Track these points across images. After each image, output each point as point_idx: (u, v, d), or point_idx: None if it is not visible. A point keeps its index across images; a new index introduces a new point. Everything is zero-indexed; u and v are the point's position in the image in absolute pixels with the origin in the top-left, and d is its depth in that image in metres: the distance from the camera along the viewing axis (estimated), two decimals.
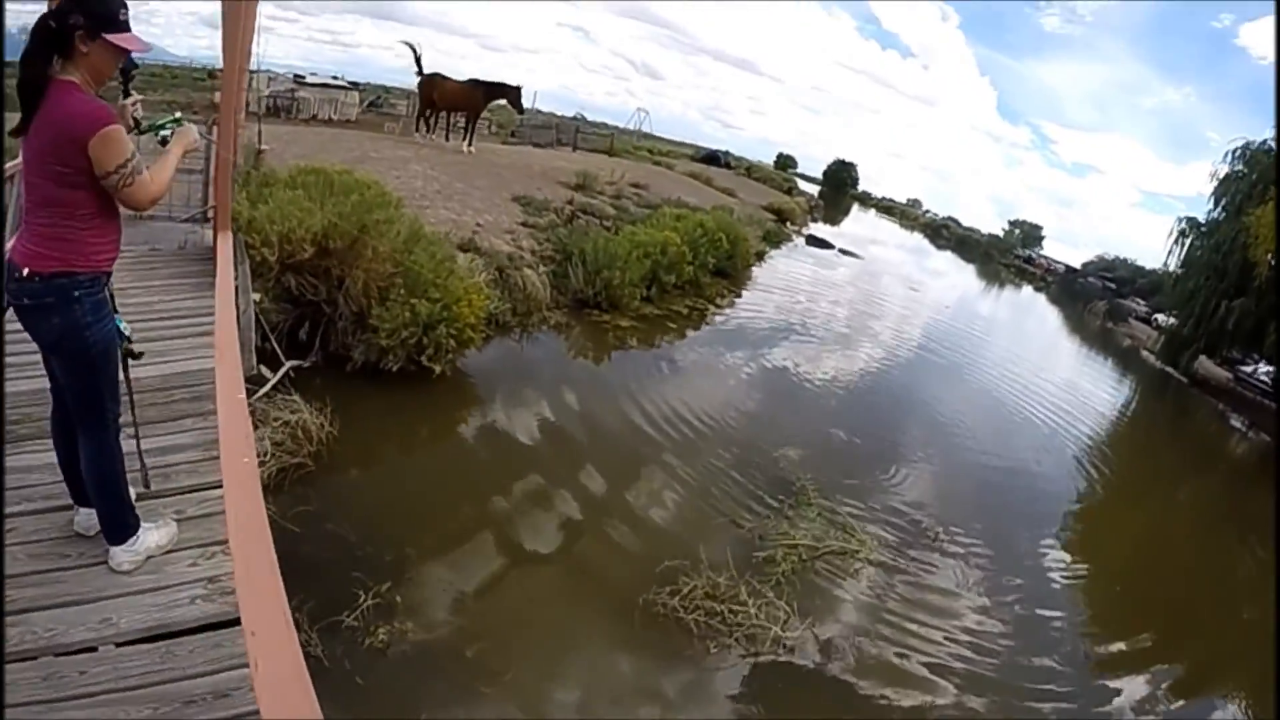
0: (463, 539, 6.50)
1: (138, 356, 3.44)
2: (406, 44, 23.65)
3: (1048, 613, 8.09)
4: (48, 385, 3.33)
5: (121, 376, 3.32)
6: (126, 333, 3.28)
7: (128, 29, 2.95)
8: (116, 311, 3.24)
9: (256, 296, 7.62)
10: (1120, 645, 7.92)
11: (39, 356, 3.38)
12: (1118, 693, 7.09)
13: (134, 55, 3.17)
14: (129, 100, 3.45)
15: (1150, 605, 9.24)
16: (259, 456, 5.92)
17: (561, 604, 6.19)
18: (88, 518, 3.32)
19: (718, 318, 16.78)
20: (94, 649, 2.80)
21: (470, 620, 5.59)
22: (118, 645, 2.83)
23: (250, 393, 6.69)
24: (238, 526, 2.50)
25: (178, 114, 3.67)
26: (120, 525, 3.22)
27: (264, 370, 7.63)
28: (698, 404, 10.86)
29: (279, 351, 8.04)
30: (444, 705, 4.86)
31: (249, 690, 2.52)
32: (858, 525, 8.35)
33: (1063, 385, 22.31)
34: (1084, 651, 7.57)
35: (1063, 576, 9.09)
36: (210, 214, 8.02)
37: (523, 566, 6.42)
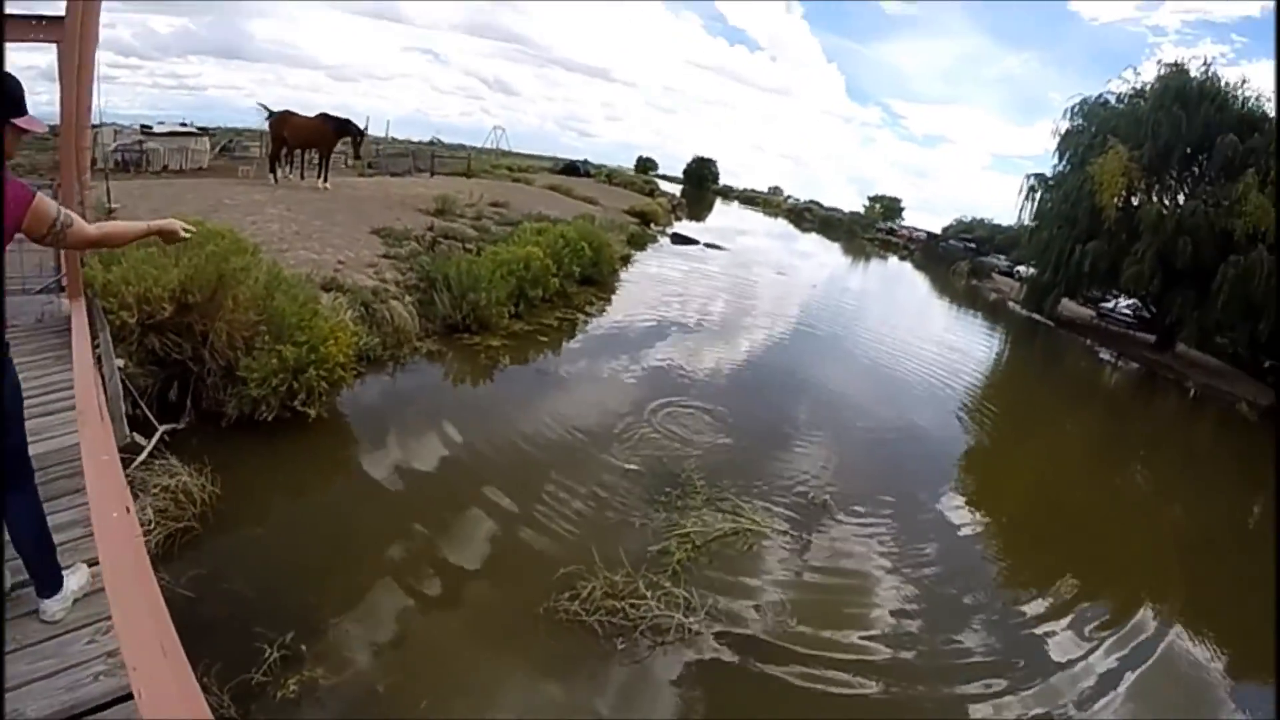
0: (361, 579, 6.56)
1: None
2: (262, 105, 23.64)
3: (959, 564, 8.70)
4: None
5: None
6: None
7: (25, 112, 3.15)
8: None
9: (121, 363, 7.50)
10: (1034, 584, 8.60)
11: None
12: (1040, 628, 7.72)
13: None
14: None
15: (1053, 538, 10.17)
16: (143, 525, 5.94)
17: (467, 627, 6.33)
18: None
19: (590, 325, 17.08)
20: None
21: (379, 658, 5.70)
22: None
23: (126, 462, 6.67)
24: (118, 592, 2.60)
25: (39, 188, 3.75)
26: (54, 574, 3.40)
27: (138, 438, 7.51)
28: (577, 413, 11.14)
29: (151, 417, 7.94)
30: None
31: None
32: (749, 507, 8.75)
33: (938, 344, 23.56)
34: (1001, 596, 8.22)
35: (968, 527, 9.81)
36: (64, 283, 7.93)
37: (424, 597, 6.52)
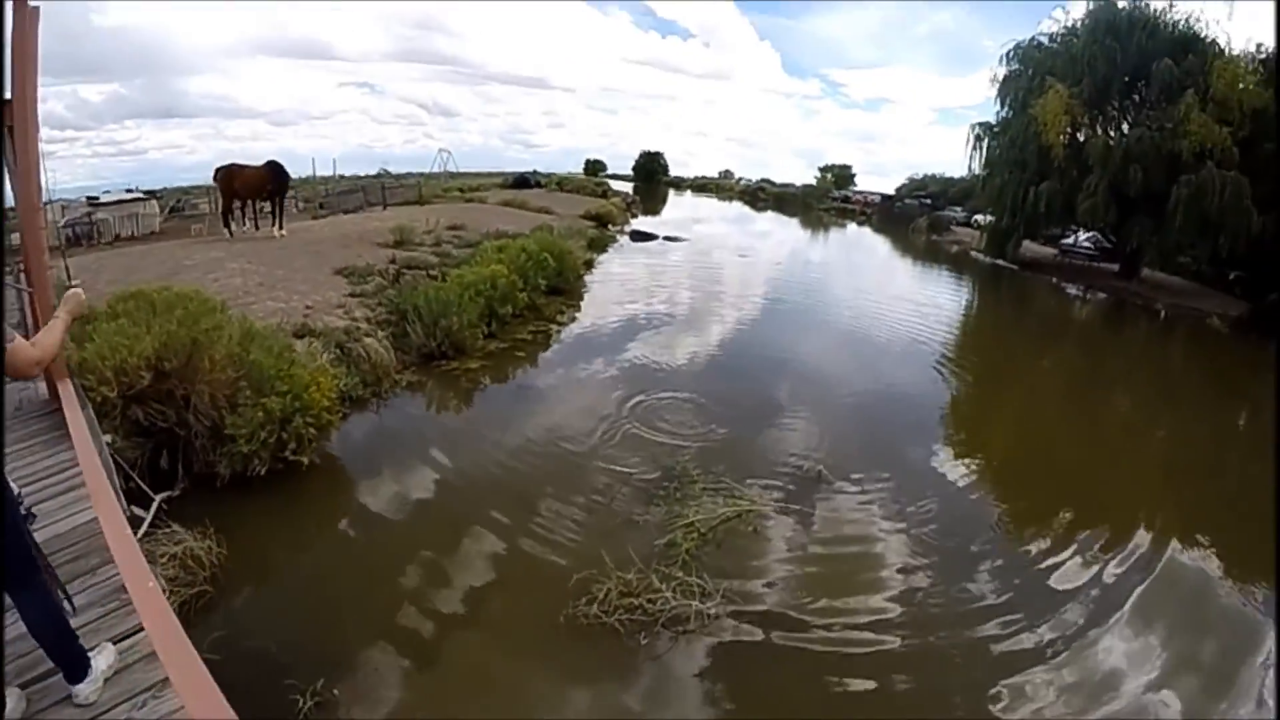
0: (380, 614, 6.61)
1: (33, 519, 3.57)
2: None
3: (958, 515, 8.90)
4: None
5: None
6: (17, 491, 3.43)
7: None
8: None
9: (108, 438, 7.51)
10: (1032, 522, 8.84)
11: None
12: (1044, 562, 7.94)
13: None
14: None
15: (1045, 475, 10.42)
16: None
17: (492, 644, 6.39)
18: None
19: (563, 334, 17.15)
20: None
21: (411, 688, 5.78)
22: None
23: None
24: (171, 655, 2.66)
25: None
26: (80, 660, 3.42)
27: (136, 510, 7.51)
28: (563, 422, 11.25)
29: (145, 487, 7.93)
30: None
31: None
32: (747, 489, 8.90)
33: (907, 302, 23.77)
34: (1003, 539, 8.46)
35: (962, 477, 10.00)
36: None
37: (445, 621, 6.59)
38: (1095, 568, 7.79)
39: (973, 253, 40.16)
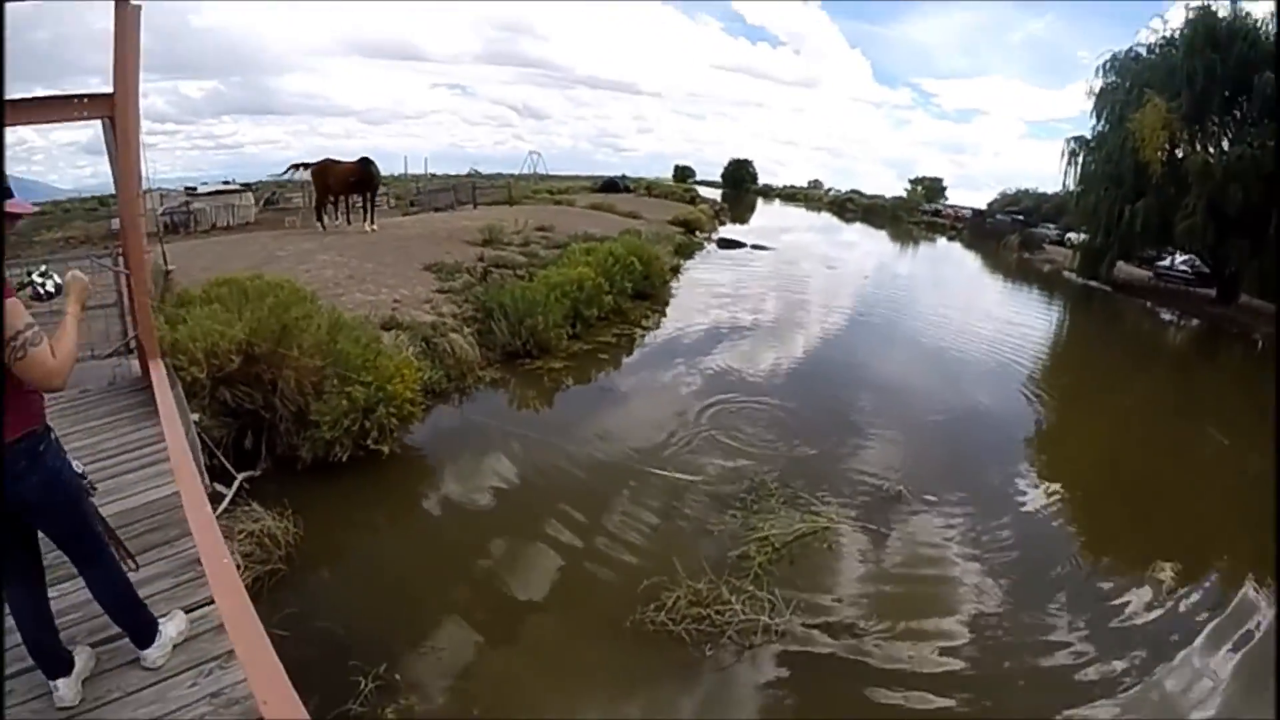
0: (449, 604, 6.62)
1: (94, 491, 3.58)
2: (295, 166, 24.00)
3: (1037, 544, 8.50)
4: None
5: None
6: (84, 472, 3.44)
7: (13, 194, 2.99)
8: (65, 451, 3.36)
9: (196, 416, 7.68)
10: (1116, 557, 8.33)
11: None
12: (1126, 600, 7.45)
13: None
14: (38, 271, 3.54)
15: (1132, 508, 9.80)
16: None
17: (558, 643, 6.34)
18: (68, 688, 3.33)
19: (647, 338, 17.05)
20: None
21: (474, 680, 5.76)
22: None
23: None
24: (240, 629, 2.63)
25: (43, 266, 3.69)
26: (146, 628, 3.46)
27: (218, 487, 7.71)
28: (643, 426, 11.13)
29: (228, 466, 8.12)
30: None
31: None
32: (823, 505, 8.65)
33: (996, 321, 23.10)
34: (1083, 572, 7.97)
35: (1043, 505, 9.53)
36: (133, 345, 8.06)
37: (511, 619, 6.55)
38: (1169, 603, 7.35)
39: (1065, 272, 38.80)
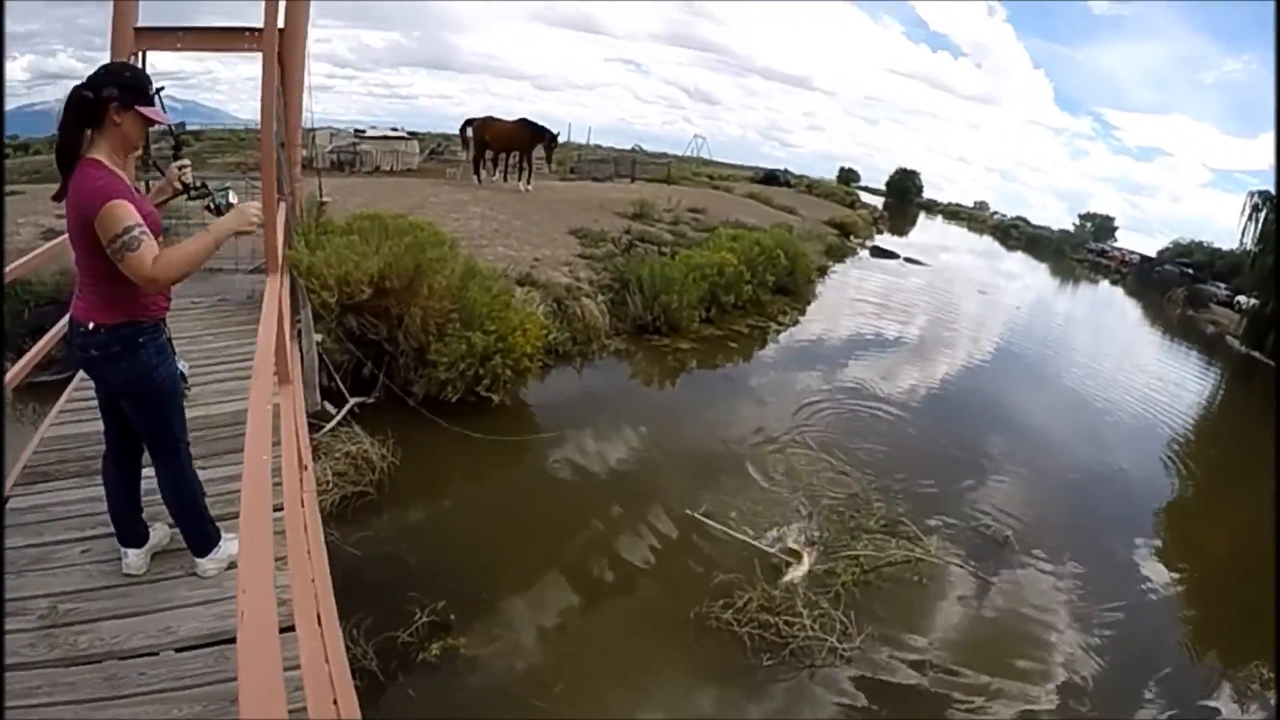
0: (521, 563, 6.64)
1: (187, 393, 3.67)
2: (468, 122, 24.60)
3: (1145, 626, 7.76)
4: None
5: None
6: (185, 373, 3.53)
7: (154, 103, 3.17)
8: (176, 354, 3.52)
9: (319, 337, 7.98)
10: (1226, 659, 7.49)
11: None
12: (1222, 702, 6.77)
13: (185, 121, 3.39)
14: (178, 164, 3.70)
15: (1256, 613, 8.87)
16: (321, 485, 6.26)
17: (615, 621, 6.29)
18: (137, 559, 3.58)
19: (782, 335, 16.73)
20: (155, 654, 3.06)
21: (523, 638, 5.77)
22: (176, 650, 3.08)
23: (315, 428, 7.11)
24: (295, 540, 2.63)
25: (227, 184, 3.85)
26: (203, 538, 3.54)
27: (328, 406, 7.99)
28: (763, 422, 10.91)
29: (343, 390, 8.38)
30: (488, 715, 5.04)
31: (296, 689, 2.64)
32: (927, 537, 8.19)
33: (1147, 378, 21.72)
34: (1186, 669, 7.22)
35: (1161, 587, 8.72)
36: None
37: (580, 588, 6.53)
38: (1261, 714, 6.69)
39: (1228, 337, 36.14)
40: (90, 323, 3.15)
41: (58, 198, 3.14)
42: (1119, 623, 7.56)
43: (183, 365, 3.50)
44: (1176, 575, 8.94)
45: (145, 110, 3.10)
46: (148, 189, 3.95)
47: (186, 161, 3.77)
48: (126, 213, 2.94)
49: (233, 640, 3.03)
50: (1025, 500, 10.00)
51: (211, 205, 3.67)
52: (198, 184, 3.71)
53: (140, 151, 3.59)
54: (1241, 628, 8.08)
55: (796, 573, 6.84)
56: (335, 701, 2.83)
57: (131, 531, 3.59)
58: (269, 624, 1.75)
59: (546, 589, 6.38)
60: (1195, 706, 6.59)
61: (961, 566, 7.92)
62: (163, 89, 3.23)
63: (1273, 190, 32.30)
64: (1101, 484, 11.64)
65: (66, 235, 3.12)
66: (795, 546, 7.18)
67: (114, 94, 3.00)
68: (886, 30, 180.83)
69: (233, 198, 3.72)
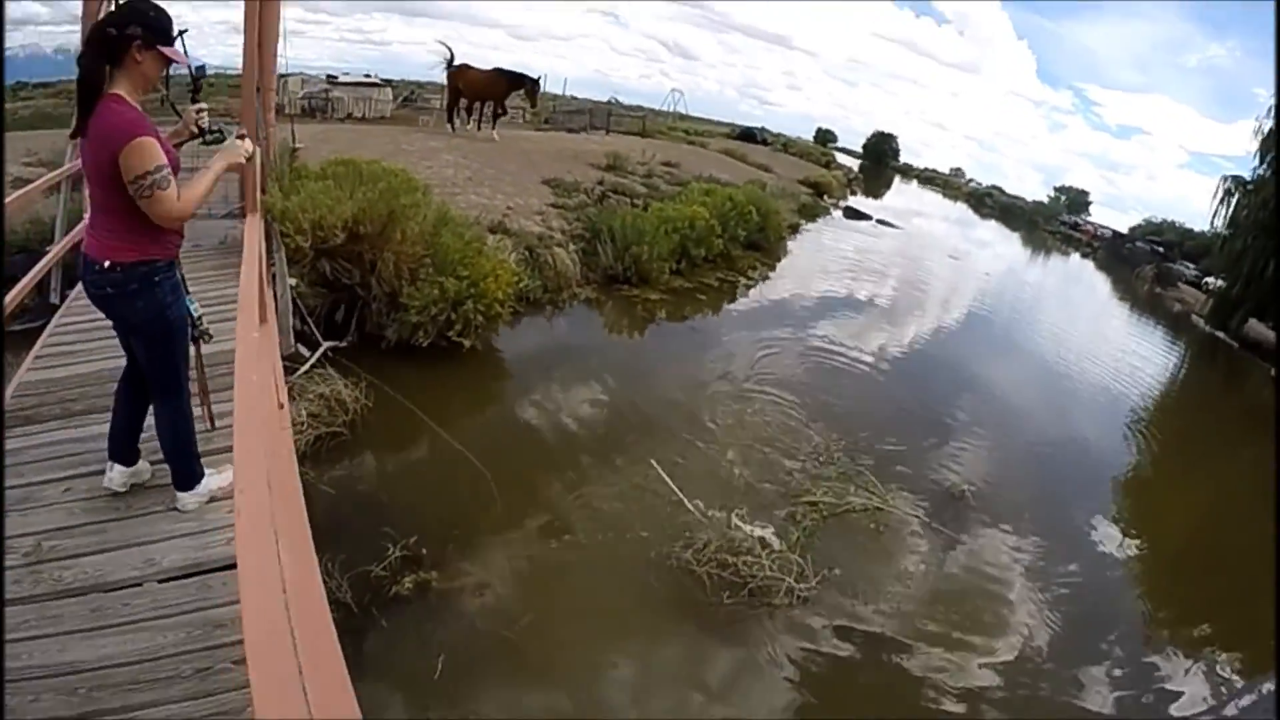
0: (489, 501, 6.77)
1: (209, 339, 3.85)
2: (441, 43, 24.38)
3: (1100, 592, 7.96)
4: (101, 369, 3.87)
5: (192, 351, 3.80)
6: (196, 314, 3.67)
7: (175, 44, 3.29)
8: (189, 293, 3.67)
9: (293, 281, 8.08)
10: (1178, 628, 7.72)
11: (93, 343, 4.31)
12: (1175, 679, 6.88)
13: (205, 65, 3.52)
14: (196, 107, 3.82)
15: (1208, 583, 8.94)
16: (296, 425, 6.38)
17: (578, 561, 6.42)
18: (121, 475, 3.78)
19: (751, 291, 16.90)
20: (138, 584, 3.24)
21: (492, 574, 5.92)
22: (159, 581, 3.26)
23: (289, 370, 7.27)
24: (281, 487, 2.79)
25: (236, 131, 4.00)
26: (188, 475, 3.71)
27: (302, 349, 8.12)
28: (727, 371, 11.12)
29: (316, 333, 8.49)
30: (460, 646, 5.18)
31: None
32: (883, 488, 8.33)
33: (1114, 348, 22.10)
34: (1139, 636, 7.37)
35: (1117, 552, 8.96)
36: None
37: (547, 529, 6.67)
38: (1217, 698, 6.76)
39: (1194, 316, 36.57)
40: (106, 260, 3.26)
41: (75, 134, 3.30)
42: (1076, 589, 7.76)
43: (194, 306, 3.64)
44: (1133, 547, 9.17)
45: (166, 50, 3.22)
46: None
47: (205, 105, 3.87)
48: (156, 150, 3.10)
49: (215, 569, 3.31)
50: (989, 464, 10.22)
51: (199, 130, 3.81)
52: (214, 129, 3.85)
53: (161, 92, 3.73)
54: (1192, 605, 8.31)
55: (755, 530, 7.02)
56: (316, 629, 2.98)
57: (123, 450, 3.78)
58: (264, 521, 1.87)
59: (514, 528, 6.55)
60: (1146, 678, 6.76)
61: (922, 521, 8.09)
62: (186, 31, 3.36)
63: (1246, 176, 32.51)
64: (1064, 449, 11.93)
65: (77, 170, 3.26)
66: (744, 526, 7.16)
67: (138, 32, 3.10)
68: None
69: (232, 133, 3.88)
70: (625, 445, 8.34)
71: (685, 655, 5.64)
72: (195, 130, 3.80)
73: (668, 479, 7.56)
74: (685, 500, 7.22)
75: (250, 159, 3.94)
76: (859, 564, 7.02)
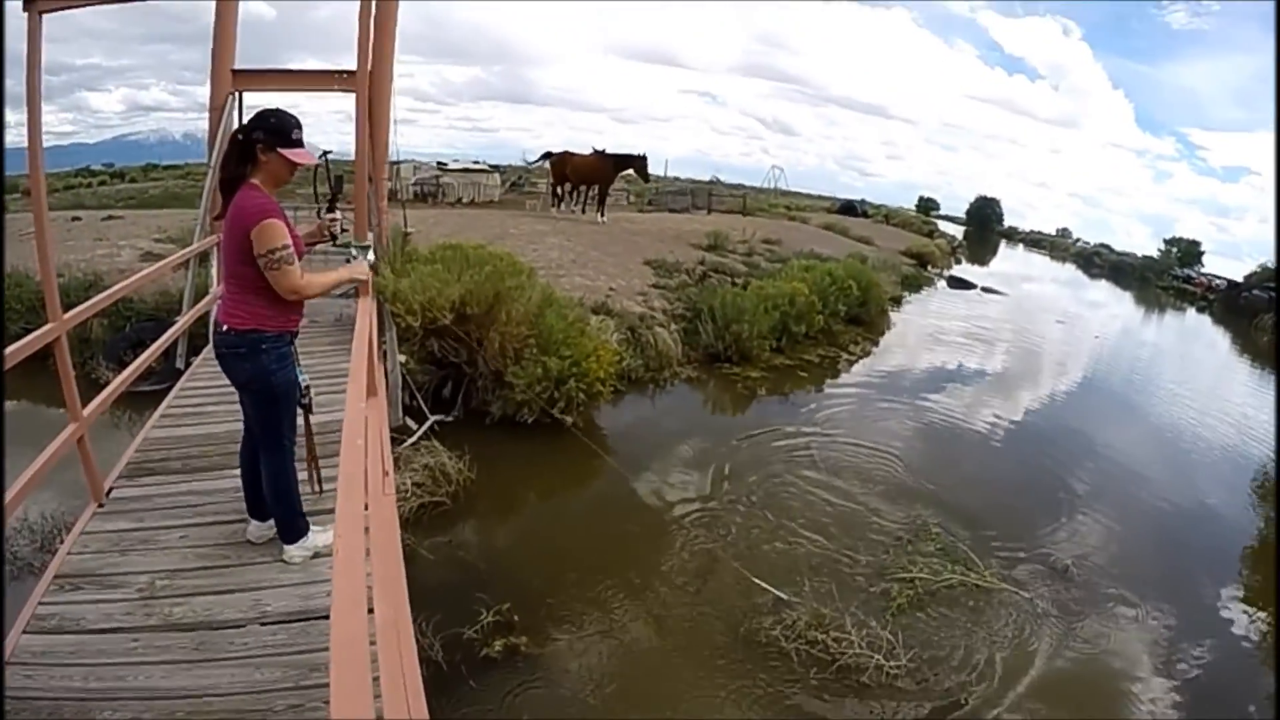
0: (585, 576, 6.93)
1: (310, 410, 4.18)
2: (545, 155, 25.38)
3: (1232, 673, 7.28)
4: (221, 430, 4.49)
5: (301, 420, 4.14)
6: (304, 384, 4.00)
7: (301, 145, 3.76)
8: (299, 365, 4.05)
9: (403, 358, 8.53)
10: None
11: (216, 407, 4.94)
12: None
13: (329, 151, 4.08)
14: (330, 216, 4.44)
15: None
16: (400, 493, 6.79)
17: (668, 633, 6.45)
18: (258, 529, 4.15)
19: (855, 365, 16.69)
20: (242, 625, 3.50)
21: (581, 642, 6.07)
22: (262, 624, 3.51)
23: (397, 442, 7.63)
24: (381, 549, 2.99)
25: (368, 244, 4.48)
26: (292, 528, 4.02)
27: (409, 422, 8.52)
28: (827, 449, 10.97)
29: (424, 408, 8.92)
30: (545, 709, 5.33)
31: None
32: (981, 563, 7.97)
33: (1233, 410, 21.13)
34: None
35: (1249, 630, 8.16)
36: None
37: (639, 601, 6.75)
38: None
39: None
40: (225, 325, 3.75)
41: (218, 218, 3.90)
42: (1204, 666, 7.19)
43: (304, 378, 3.98)
44: (1264, 622, 8.34)
45: (286, 152, 3.67)
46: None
47: (339, 216, 4.48)
48: (283, 231, 3.60)
49: (316, 618, 3.53)
50: (1104, 534, 9.67)
51: (340, 246, 4.52)
52: (344, 240, 4.37)
53: (298, 184, 4.34)
54: None
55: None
56: (404, 679, 3.15)
57: (255, 505, 4.16)
58: (359, 589, 2.00)
59: (605, 600, 6.66)
60: None
61: (1028, 600, 7.64)
62: (330, 152, 3.96)
63: None
64: (1187, 519, 11.10)
65: (219, 247, 3.77)
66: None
67: (260, 136, 3.63)
68: (960, 55, 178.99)
69: (371, 256, 4.34)
70: (720, 521, 8.36)
71: None
72: (326, 236, 4.38)
73: (752, 577, 7.26)
74: (770, 588, 7.03)
75: (367, 278, 4.43)
76: (950, 642, 6.73)
